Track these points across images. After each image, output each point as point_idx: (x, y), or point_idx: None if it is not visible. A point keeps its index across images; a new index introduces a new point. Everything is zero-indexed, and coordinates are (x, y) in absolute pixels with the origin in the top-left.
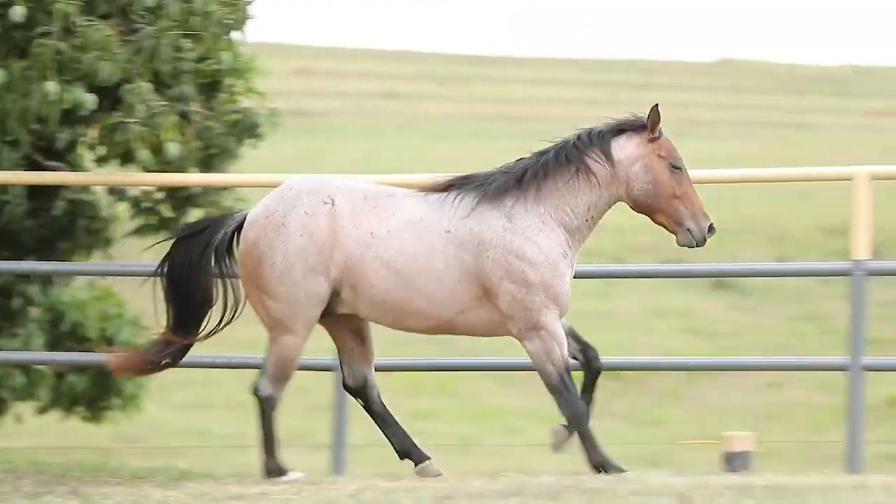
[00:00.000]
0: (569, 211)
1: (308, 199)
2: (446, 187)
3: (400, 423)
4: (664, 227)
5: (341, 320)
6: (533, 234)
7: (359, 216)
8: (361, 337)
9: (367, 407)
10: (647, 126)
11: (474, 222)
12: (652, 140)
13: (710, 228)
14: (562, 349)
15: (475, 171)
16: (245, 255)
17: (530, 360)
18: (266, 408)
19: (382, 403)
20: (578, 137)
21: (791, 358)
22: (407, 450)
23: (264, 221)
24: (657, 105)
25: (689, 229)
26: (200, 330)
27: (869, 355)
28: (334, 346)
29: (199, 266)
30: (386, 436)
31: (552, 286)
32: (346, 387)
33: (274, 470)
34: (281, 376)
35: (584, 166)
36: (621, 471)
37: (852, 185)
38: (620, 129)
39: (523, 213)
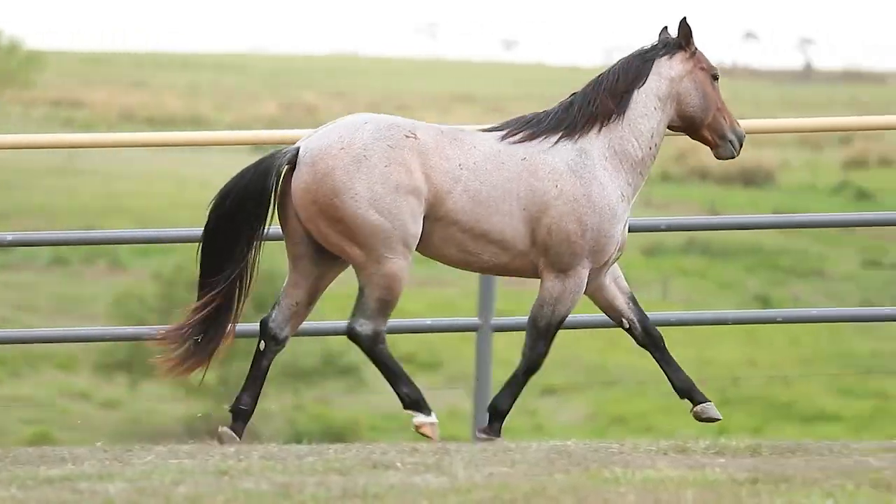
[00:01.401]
0: (634, 141)
1: (389, 132)
2: (510, 126)
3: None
4: (706, 141)
5: (324, 268)
6: (599, 173)
7: (443, 149)
8: (314, 297)
9: (259, 358)
10: (683, 42)
11: (547, 153)
12: (692, 54)
13: (743, 138)
14: (572, 304)
15: (529, 113)
16: (314, 187)
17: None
18: (377, 343)
19: (268, 367)
20: (629, 62)
21: None
22: (237, 415)
23: (339, 153)
24: (685, 18)
25: (730, 141)
26: (236, 294)
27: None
28: (287, 282)
29: (256, 200)
30: (249, 391)
31: (605, 234)
32: (265, 325)
33: (416, 400)
34: (386, 308)
35: (646, 89)
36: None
37: None
38: (664, 48)
39: (590, 148)
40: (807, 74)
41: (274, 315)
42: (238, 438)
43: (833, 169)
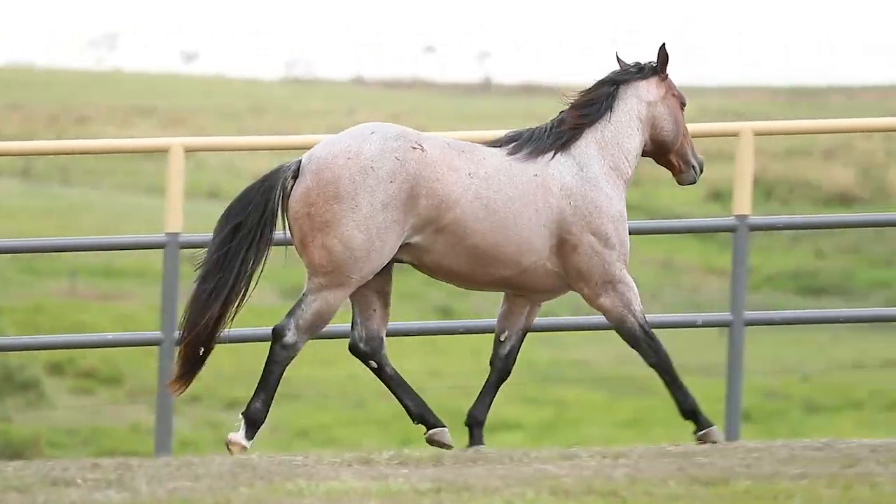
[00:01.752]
0: (624, 159)
1: (396, 143)
2: (511, 141)
3: (412, 388)
4: (671, 166)
5: (373, 278)
6: (603, 185)
7: (451, 160)
8: (385, 298)
9: (381, 370)
10: (657, 67)
11: (555, 168)
12: (664, 79)
13: (703, 164)
14: (638, 299)
15: (525, 129)
16: (315, 193)
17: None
18: (284, 354)
19: (393, 367)
20: (615, 84)
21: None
22: (422, 414)
23: (346, 162)
24: (664, 45)
25: (693, 167)
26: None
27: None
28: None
29: (259, 216)
30: (400, 400)
31: (623, 241)
32: (355, 349)
33: (250, 420)
34: (314, 328)
35: (629, 109)
36: (710, 424)
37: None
38: (639, 72)
39: (591, 163)
40: (485, 87)
41: (358, 337)
42: (449, 441)
43: None
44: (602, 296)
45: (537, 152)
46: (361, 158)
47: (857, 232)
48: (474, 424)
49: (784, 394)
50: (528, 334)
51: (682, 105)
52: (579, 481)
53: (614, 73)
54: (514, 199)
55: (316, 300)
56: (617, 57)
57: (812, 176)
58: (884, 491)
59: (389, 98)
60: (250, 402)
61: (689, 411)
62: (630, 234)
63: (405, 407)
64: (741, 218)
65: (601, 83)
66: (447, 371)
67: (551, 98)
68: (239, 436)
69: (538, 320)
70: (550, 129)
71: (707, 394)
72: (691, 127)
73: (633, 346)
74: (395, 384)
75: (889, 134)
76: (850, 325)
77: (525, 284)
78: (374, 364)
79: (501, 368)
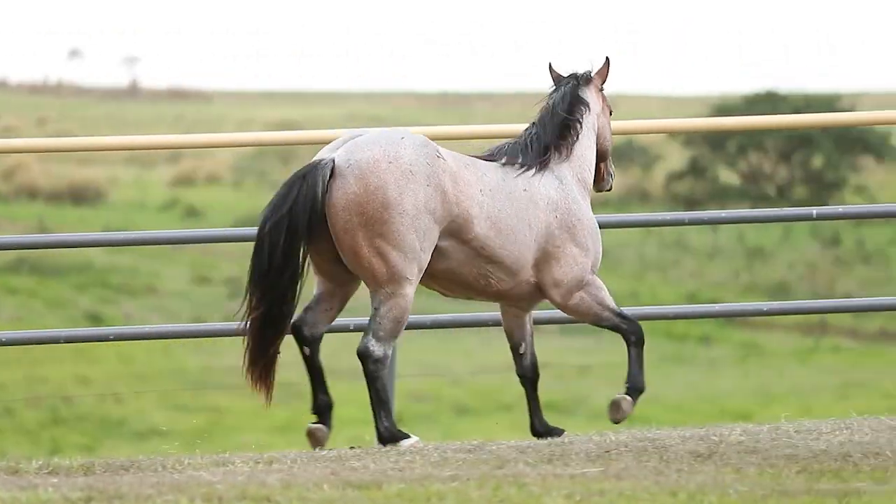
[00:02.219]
0: (587, 170)
1: (425, 150)
2: (498, 155)
3: (326, 386)
4: (598, 175)
5: (352, 279)
6: (578, 197)
7: (463, 173)
8: (345, 301)
9: (311, 358)
10: (594, 77)
11: (540, 183)
12: (601, 90)
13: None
14: (605, 289)
15: (501, 144)
16: (364, 199)
17: (581, 320)
18: (380, 369)
19: (321, 361)
20: (570, 98)
21: None
22: (322, 412)
23: (388, 167)
24: (609, 57)
25: (611, 174)
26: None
27: None
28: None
29: (309, 209)
30: (314, 390)
31: (598, 251)
32: (299, 331)
33: (392, 435)
34: (396, 333)
35: (588, 123)
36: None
37: None
38: (584, 82)
39: (566, 177)
40: (133, 92)
41: (306, 321)
42: (327, 429)
43: (162, 186)
44: (571, 301)
45: (523, 167)
46: (402, 163)
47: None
48: (539, 434)
49: (435, 397)
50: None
51: (610, 113)
52: (232, 487)
53: (573, 84)
54: (513, 215)
55: (390, 309)
56: (550, 67)
57: None
58: (532, 491)
59: (34, 103)
60: (378, 426)
61: (637, 388)
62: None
63: (314, 398)
64: None
65: (575, 97)
66: (96, 378)
67: (200, 102)
68: (409, 441)
69: (187, 326)
70: (530, 142)
71: (358, 398)
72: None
73: (613, 329)
74: (318, 376)
75: None
76: (500, 328)
77: (513, 296)
78: (307, 351)
79: (532, 378)
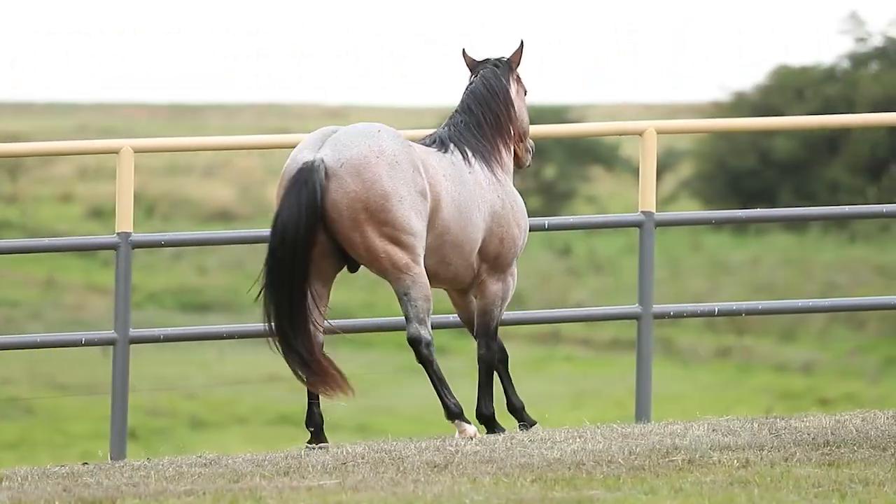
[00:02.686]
0: (511, 152)
1: (399, 140)
2: (436, 141)
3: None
4: (517, 156)
5: (333, 276)
6: (510, 180)
7: (429, 159)
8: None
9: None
10: (516, 62)
11: (482, 167)
12: (516, 73)
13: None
14: (510, 298)
15: (432, 134)
16: (365, 195)
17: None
18: (433, 352)
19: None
20: (495, 78)
21: None
22: (318, 426)
23: (377, 160)
24: (523, 40)
25: (530, 150)
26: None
27: None
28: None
29: (313, 215)
30: (310, 404)
31: (526, 236)
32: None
33: (461, 411)
34: (429, 310)
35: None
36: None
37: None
38: (504, 67)
39: (501, 158)
40: None
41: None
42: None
43: None
44: (492, 281)
45: (461, 150)
46: (387, 154)
47: (239, 248)
48: (517, 410)
49: (169, 411)
50: None
51: (525, 94)
52: None
53: (491, 69)
54: (467, 197)
55: (419, 290)
56: (464, 52)
57: (193, 193)
58: (267, 503)
59: None
60: (447, 403)
61: (492, 413)
62: (9, 253)
63: (310, 413)
64: (123, 235)
65: (495, 78)
66: None
67: None
68: (467, 427)
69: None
70: (461, 129)
71: (93, 413)
72: (72, 145)
73: (480, 336)
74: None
75: (265, 151)
76: (234, 340)
77: (462, 280)
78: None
79: (503, 359)
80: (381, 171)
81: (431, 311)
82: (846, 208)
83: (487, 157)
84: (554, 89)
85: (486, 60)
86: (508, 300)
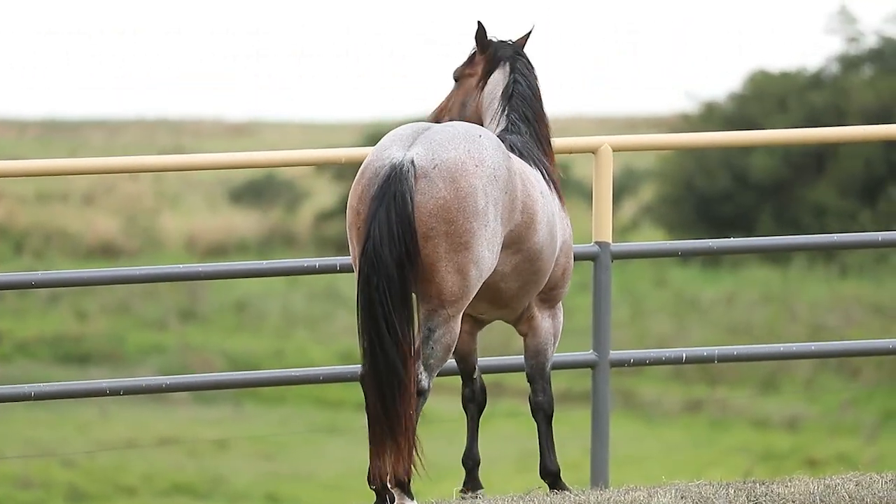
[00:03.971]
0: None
1: (501, 151)
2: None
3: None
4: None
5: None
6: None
7: (528, 172)
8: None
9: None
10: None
11: (544, 186)
12: None
13: None
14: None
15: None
16: (454, 207)
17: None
18: (422, 403)
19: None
20: (535, 87)
21: None
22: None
23: (476, 170)
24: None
25: None
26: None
27: None
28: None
29: (408, 221)
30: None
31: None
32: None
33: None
34: (444, 363)
35: None
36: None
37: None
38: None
39: (554, 177)
40: None
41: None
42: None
43: None
44: (543, 313)
45: (536, 166)
46: (487, 166)
47: (125, 289)
48: (476, 465)
49: (43, 482)
50: None
51: None
52: None
53: (522, 58)
54: (553, 220)
55: (445, 333)
56: (481, 28)
57: (70, 224)
58: None
59: None
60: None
61: (558, 470)
62: None
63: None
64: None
65: (532, 76)
66: None
67: None
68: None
69: None
70: (529, 135)
71: None
72: None
73: (534, 378)
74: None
75: (158, 175)
76: (119, 397)
77: (513, 310)
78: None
79: (481, 403)
80: (477, 184)
81: (442, 366)
82: (835, 236)
83: (547, 175)
84: (672, 92)
85: (504, 44)
86: (559, 338)
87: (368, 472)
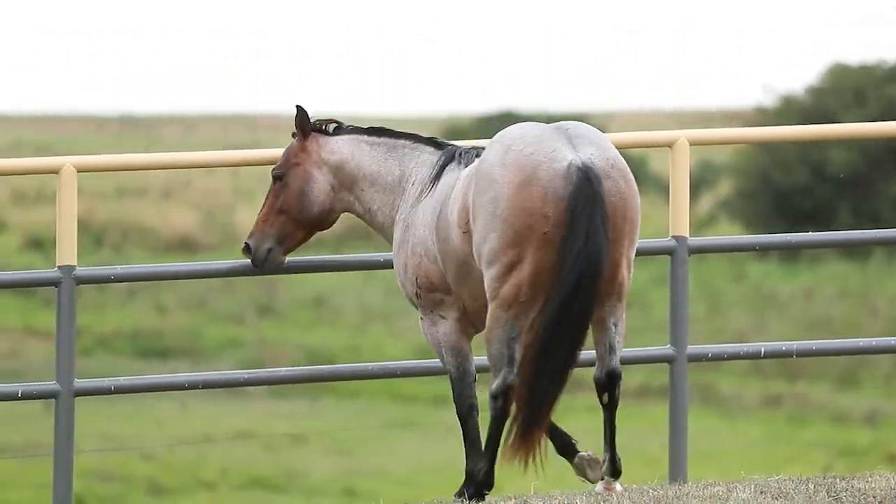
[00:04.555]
0: None
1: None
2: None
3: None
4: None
5: None
6: None
7: None
8: None
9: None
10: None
11: None
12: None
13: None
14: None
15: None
16: (634, 205)
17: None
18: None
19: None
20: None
21: None
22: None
23: (626, 165)
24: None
25: None
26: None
27: None
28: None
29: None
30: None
31: None
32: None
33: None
34: None
35: None
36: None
37: None
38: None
39: None
40: None
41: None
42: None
43: None
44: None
45: None
46: (624, 164)
47: (203, 283)
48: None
49: (122, 475)
50: None
51: None
52: None
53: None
54: None
55: (622, 323)
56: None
57: (148, 219)
58: None
59: None
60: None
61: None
62: None
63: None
64: (66, 269)
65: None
66: None
67: None
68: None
69: None
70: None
71: (31, 478)
72: (4, 164)
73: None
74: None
75: (235, 170)
76: (198, 391)
77: None
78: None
79: (472, 406)
80: (633, 179)
81: None
82: None
83: None
84: (568, 95)
85: (320, 121)
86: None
87: (487, 474)
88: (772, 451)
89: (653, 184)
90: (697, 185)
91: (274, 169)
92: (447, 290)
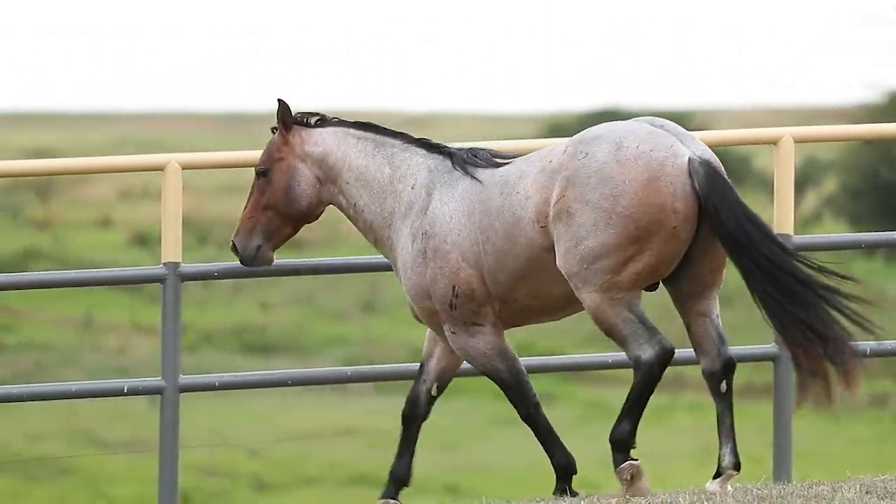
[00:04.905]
0: None
1: None
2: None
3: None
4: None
5: None
6: None
7: None
8: None
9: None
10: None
11: None
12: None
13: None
14: None
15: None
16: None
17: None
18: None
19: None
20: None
21: None
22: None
23: None
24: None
25: None
26: None
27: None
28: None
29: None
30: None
31: None
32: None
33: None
34: None
35: None
36: None
37: None
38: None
39: None
40: None
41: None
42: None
43: None
44: None
45: None
46: None
47: (309, 280)
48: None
49: (228, 471)
50: None
51: None
52: None
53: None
54: None
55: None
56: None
57: None
58: None
59: None
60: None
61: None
62: (43, 287)
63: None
64: (171, 265)
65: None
66: None
67: None
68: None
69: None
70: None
71: (138, 473)
72: (110, 162)
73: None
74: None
75: None
76: (302, 388)
77: None
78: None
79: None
80: None
81: None
82: None
83: None
84: (672, 92)
85: (302, 114)
86: None
87: (631, 434)
88: (878, 451)
89: (757, 181)
90: (802, 183)
91: (257, 165)
92: (486, 296)
